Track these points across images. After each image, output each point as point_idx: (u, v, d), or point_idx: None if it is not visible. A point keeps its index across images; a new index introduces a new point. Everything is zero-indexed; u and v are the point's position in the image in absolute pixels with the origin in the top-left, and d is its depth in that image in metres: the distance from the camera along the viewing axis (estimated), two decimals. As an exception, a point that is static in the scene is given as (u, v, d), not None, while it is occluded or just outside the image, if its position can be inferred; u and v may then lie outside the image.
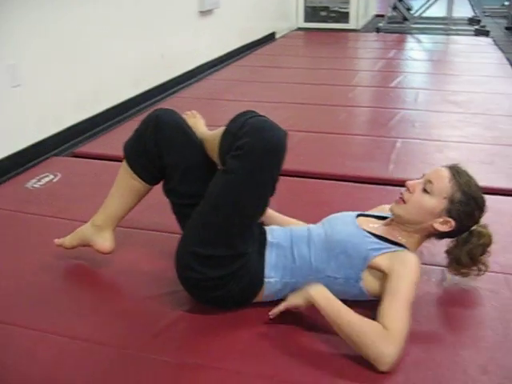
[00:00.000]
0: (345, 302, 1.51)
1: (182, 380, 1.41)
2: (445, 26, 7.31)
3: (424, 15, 7.44)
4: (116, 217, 1.84)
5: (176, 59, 4.49)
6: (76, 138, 3.29)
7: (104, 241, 1.84)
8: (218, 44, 5.34)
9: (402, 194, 1.64)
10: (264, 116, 1.59)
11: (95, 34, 3.42)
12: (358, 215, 1.73)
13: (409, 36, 6.91)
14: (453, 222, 1.59)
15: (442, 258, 1.72)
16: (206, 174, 1.67)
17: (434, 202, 1.58)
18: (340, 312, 1.48)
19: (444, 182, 1.59)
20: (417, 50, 6.18)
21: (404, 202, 1.62)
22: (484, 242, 1.65)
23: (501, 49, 5.95)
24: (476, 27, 7.27)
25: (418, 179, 1.65)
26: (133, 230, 2.09)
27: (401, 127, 3.34)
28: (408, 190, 1.63)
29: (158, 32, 4.18)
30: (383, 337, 1.40)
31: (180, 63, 4.58)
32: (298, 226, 1.72)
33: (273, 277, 1.61)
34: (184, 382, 1.40)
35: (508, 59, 5.35)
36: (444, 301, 1.71)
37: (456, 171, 1.62)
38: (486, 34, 6.90)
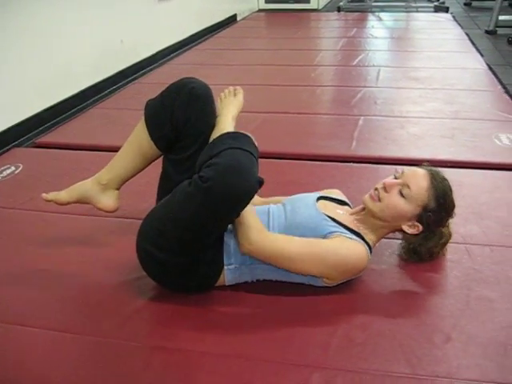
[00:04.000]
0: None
1: (153, 363, 1.41)
2: (405, 3, 7.35)
3: (384, -7, 7.47)
4: (123, 177, 1.83)
5: (136, 45, 4.43)
6: (37, 127, 3.23)
7: (108, 199, 1.84)
8: (179, 28, 5.28)
9: (377, 189, 1.63)
10: (245, 148, 1.47)
11: (53, 21, 3.35)
12: (319, 198, 1.73)
13: (370, 14, 6.94)
14: (421, 227, 1.63)
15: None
16: None
17: (409, 208, 1.60)
18: None
19: (422, 191, 1.59)
20: (378, 27, 6.20)
21: (379, 199, 1.62)
22: (445, 242, 1.72)
23: (460, 24, 6.02)
24: (435, 3, 7.33)
25: (395, 178, 1.63)
26: (102, 218, 2.08)
27: (363, 105, 3.37)
28: (384, 188, 1.62)
29: (117, 18, 4.11)
30: (260, 232, 1.52)
31: (140, 49, 4.52)
32: (259, 207, 1.70)
33: (232, 263, 1.60)
34: (155, 366, 1.41)
35: (467, 34, 5.42)
36: (407, 271, 1.74)
37: (434, 178, 1.61)
38: (445, 10, 6.96)
